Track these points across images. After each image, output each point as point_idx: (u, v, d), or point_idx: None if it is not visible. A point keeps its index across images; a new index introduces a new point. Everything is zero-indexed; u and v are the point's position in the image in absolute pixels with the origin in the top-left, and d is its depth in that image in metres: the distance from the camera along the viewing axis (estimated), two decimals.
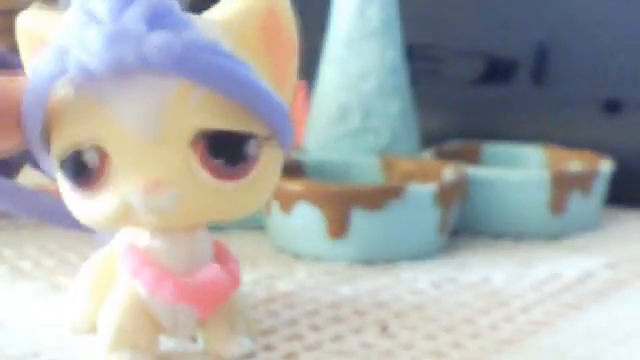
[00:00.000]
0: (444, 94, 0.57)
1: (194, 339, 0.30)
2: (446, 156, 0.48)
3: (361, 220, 0.39)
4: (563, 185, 0.44)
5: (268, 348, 0.30)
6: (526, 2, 0.56)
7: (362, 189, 0.40)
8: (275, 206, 0.41)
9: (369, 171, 0.47)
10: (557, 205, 0.44)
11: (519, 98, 0.55)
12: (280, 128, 0.27)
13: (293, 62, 0.28)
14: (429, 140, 0.52)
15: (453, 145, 0.51)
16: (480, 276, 0.38)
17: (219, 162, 0.26)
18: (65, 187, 0.27)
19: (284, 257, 0.41)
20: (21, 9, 0.31)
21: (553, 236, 0.45)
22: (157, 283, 0.27)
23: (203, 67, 0.25)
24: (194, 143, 0.26)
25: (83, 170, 0.26)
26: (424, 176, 0.44)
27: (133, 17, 0.25)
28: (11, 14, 0.44)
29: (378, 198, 0.39)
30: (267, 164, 0.27)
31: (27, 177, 0.45)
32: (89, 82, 0.25)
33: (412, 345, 0.30)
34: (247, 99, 0.26)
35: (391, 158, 0.47)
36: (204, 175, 0.26)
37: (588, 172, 0.45)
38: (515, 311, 0.34)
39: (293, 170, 0.45)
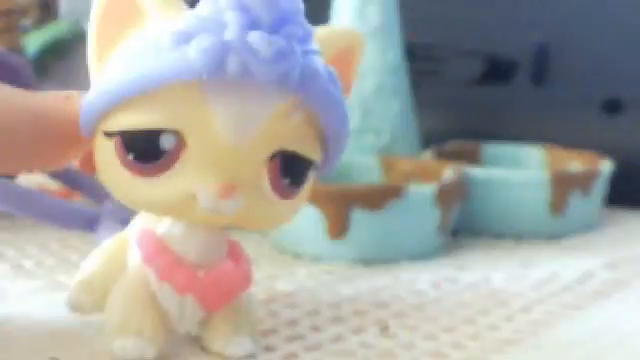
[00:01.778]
0: (444, 94, 0.57)
1: (195, 338, 0.30)
2: (446, 156, 0.49)
3: (361, 220, 0.39)
4: (563, 185, 0.44)
5: (268, 348, 0.30)
6: (526, 2, 0.56)
7: (362, 189, 0.40)
8: None
9: (369, 171, 0.47)
10: (557, 205, 0.44)
11: (519, 98, 0.55)
12: (338, 157, 0.29)
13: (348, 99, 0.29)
14: (429, 140, 0.52)
15: (453, 145, 0.51)
16: (480, 276, 0.38)
17: (285, 182, 0.27)
18: (114, 162, 0.26)
19: (284, 257, 0.41)
20: (20, 10, 0.31)
21: (553, 236, 0.45)
22: (169, 270, 0.27)
23: (324, 92, 0.26)
24: (272, 159, 0.26)
25: (153, 152, 0.26)
26: (424, 176, 0.44)
27: (293, 34, 0.25)
28: (11, 14, 0.44)
29: (378, 198, 0.39)
30: (308, 187, 0.28)
31: (27, 177, 0.45)
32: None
33: (412, 345, 0.30)
34: (340, 126, 0.27)
35: (391, 158, 0.47)
36: (269, 191, 0.26)
37: (588, 172, 0.45)
38: (515, 311, 0.34)
39: None
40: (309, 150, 0.27)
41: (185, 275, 0.27)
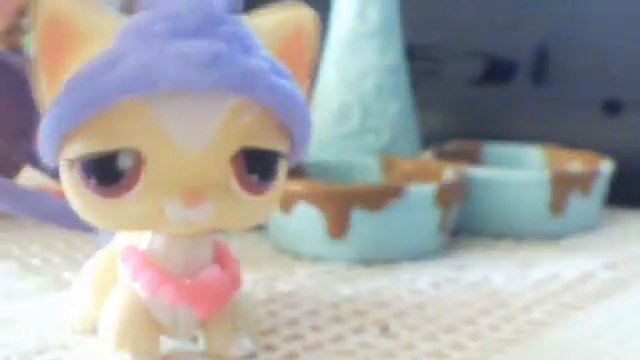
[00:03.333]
0: (444, 94, 0.57)
1: (195, 340, 0.30)
2: (446, 156, 0.49)
3: (361, 220, 0.39)
4: (563, 185, 0.44)
5: (269, 348, 0.30)
6: (526, 2, 0.56)
7: (362, 189, 0.40)
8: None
9: (369, 171, 0.47)
10: (557, 205, 0.44)
11: (519, 98, 0.55)
12: (305, 144, 0.28)
13: (307, 83, 0.29)
14: (429, 140, 0.52)
15: (453, 145, 0.51)
16: (480, 276, 0.38)
17: (254, 178, 0.26)
18: (78, 187, 0.26)
19: (284, 257, 0.41)
20: (21, 10, 0.31)
21: (553, 236, 0.45)
22: (156, 285, 0.27)
23: (270, 88, 0.26)
24: (234, 159, 0.26)
25: (114, 173, 0.25)
26: (424, 176, 0.44)
27: (228, 35, 0.25)
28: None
29: (378, 198, 0.39)
30: (283, 177, 0.28)
31: (27, 177, 0.45)
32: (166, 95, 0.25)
33: (413, 345, 0.30)
34: (298, 115, 0.27)
35: (391, 158, 0.47)
36: (239, 190, 0.26)
37: (588, 172, 0.45)
38: (515, 311, 0.34)
39: (293, 170, 0.44)
40: (271, 142, 0.27)
41: (171, 287, 0.27)
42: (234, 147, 0.26)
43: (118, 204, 0.26)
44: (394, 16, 0.50)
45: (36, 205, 0.35)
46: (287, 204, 0.40)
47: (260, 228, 0.43)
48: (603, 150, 0.49)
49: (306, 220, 0.40)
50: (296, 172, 0.45)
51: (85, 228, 0.36)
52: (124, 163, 0.25)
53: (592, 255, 0.42)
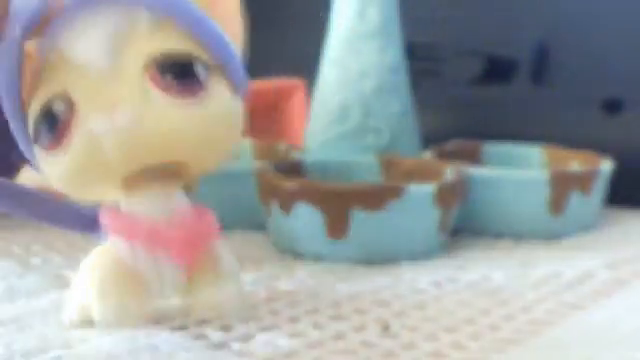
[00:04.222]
0: (444, 94, 0.57)
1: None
2: (446, 156, 0.49)
3: (361, 220, 0.39)
4: (563, 185, 0.44)
5: (269, 346, 0.30)
6: (526, 2, 0.56)
7: (362, 189, 0.40)
8: (275, 206, 0.41)
9: (369, 171, 0.47)
10: (557, 205, 0.44)
11: (519, 98, 0.55)
12: (225, 60, 0.29)
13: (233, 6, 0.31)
14: (429, 140, 0.52)
15: (453, 145, 0.51)
16: (480, 276, 0.38)
17: (169, 78, 0.28)
18: (42, 158, 0.29)
19: (284, 257, 0.41)
20: None
21: (553, 236, 0.45)
22: (132, 229, 0.29)
23: (181, 8, 0.28)
24: (147, 68, 0.28)
25: (55, 124, 0.28)
26: (424, 176, 0.44)
27: None
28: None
29: (378, 198, 0.39)
30: (219, 92, 0.29)
31: (27, 177, 0.45)
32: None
33: (413, 345, 0.30)
34: (192, 25, 0.29)
35: (391, 158, 0.47)
36: (157, 93, 0.28)
37: (588, 172, 0.45)
38: (515, 311, 0.34)
39: (293, 170, 0.45)
40: (185, 48, 0.28)
41: (147, 231, 0.28)
42: (142, 57, 0.28)
43: (66, 155, 0.28)
44: (394, 16, 0.50)
45: (36, 206, 0.35)
46: (287, 204, 0.40)
47: (261, 228, 0.43)
48: (603, 150, 0.49)
49: (306, 220, 0.40)
50: (296, 172, 0.45)
51: (84, 228, 0.36)
52: (58, 110, 0.28)
53: (592, 255, 0.42)
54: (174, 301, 0.31)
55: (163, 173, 0.29)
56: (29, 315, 0.33)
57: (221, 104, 0.29)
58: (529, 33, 0.55)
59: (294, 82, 0.57)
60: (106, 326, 0.29)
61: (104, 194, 0.30)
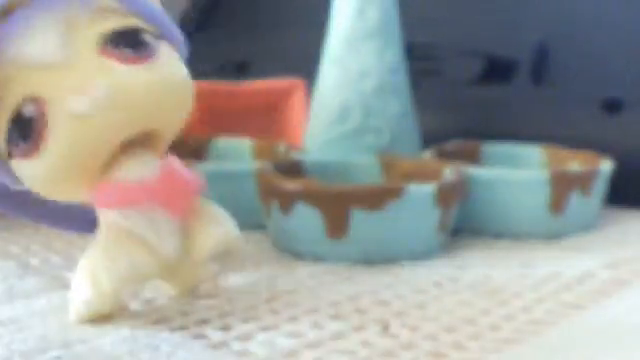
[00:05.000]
0: (444, 94, 0.57)
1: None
2: (446, 156, 0.49)
3: (361, 220, 0.39)
4: (563, 185, 0.44)
5: (269, 345, 0.30)
6: (526, 2, 0.56)
7: (362, 189, 0.40)
8: (275, 206, 0.41)
9: (369, 171, 0.47)
10: (557, 205, 0.44)
11: (519, 98, 0.55)
12: (166, 30, 0.32)
13: None
14: (429, 140, 0.52)
15: (453, 145, 0.51)
16: (480, 276, 0.38)
17: (122, 49, 0.29)
18: (19, 161, 0.29)
19: (284, 257, 0.41)
20: None
21: (553, 236, 0.45)
22: (124, 193, 0.30)
23: None
24: (101, 45, 0.29)
25: (30, 128, 0.28)
26: (424, 176, 0.44)
27: None
28: None
29: (378, 198, 0.39)
30: (168, 55, 0.31)
31: None
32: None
33: (413, 345, 0.30)
34: (129, 4, 0.31)
35: (391, 158, 0.47)
36: (116, 65, 0.29)
37: (588, 172, 0.45)
38: (515, 311, 0.34)
39: (293, 170, 0.45)
40: (130, 22, 0.30)
41: (140, 190, 0.30)
42: (92, 39, 0.29)
43: (48, 153, 0.28)
44: (394, 16, 0.50)
45: (35, 206, 0.35)
46: (286, 204, 0.40)
47: (261, 228, 0.43)
48: (603, 150, 0.49)
49: (306, 220, 0.40)
50: (296, 172, 0.45)
51: (84, 229, 0.36)
52: (29, 112, 0.28)
53: (592, 255, 0.42)
54: (174, 251, 0.32)
55: (140, 145, 0.31)
56: (28, 315, 0.33)
57: (176, 66, 0.31)
58: (529, 33, 0.55)
59: (294, 82, 0.57)
60: (122, 289, 0.30)
61: (83, 192, 0.31)
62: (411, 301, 0.35)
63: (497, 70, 0.56)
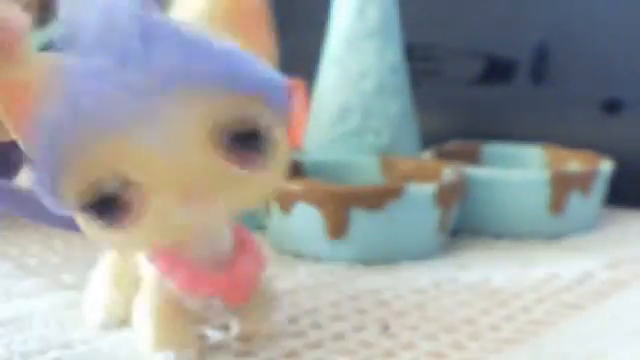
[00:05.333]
0: (444, 94, 0.57)
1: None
2: (446, 156, 0.49)
3: (361, 220, 0.39)
4: (563, 185, 0.44)
5: (270, 345, 0.30)
6: (526, 2, 0.56)
7: (362, 189, 0.40)
8: (275, 206, 0.41)
9: (369, 171, 0.47)
10: (557, 205, 0.44)
11: (519, 98, 0.55)
12: (281, 105, 0.27)
13: (263, 27, 0.29)
14: (429, 140, 0.52)
15: (453, 145, 0.51)
16: (480, 276, 0.38)
17: (234, 147, 0.25)
18: (93, 227, 0.26)
19: (284, 257, 0.41)
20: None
21: (553, 236, 0.45)
22: (192, 281, 0.28)
23: (205, 76, 0.25)
24: (216, 145, 0.25)
25: (113, 206, 0.25)
26: (424, 176, 0.44)
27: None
28: None
29: (378, 198, 0.39)
30: (280, 137, 0.27)
31: (27, 177, 0.45)
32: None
33: (413, 345, 0.30)
34: (250, 87, 0.26)
35: (391, 158, 0.47)
36: (224, 164, 0.25)
37: (588, 172, 0.45)
38: (515, 311, 0.34)
39: (293, 170, 0.44)
40: (247, 111, 0.25)
41: (208, 283, 0.28)
42: (208, 132, 0.25)
43: (134, 231, 0.25)
44: (394, 16, 0.50)
45: (35, 206, 0.35)
46: (287, 204, 0.40)
47: (261, 228, 0.43)
48: (603, 150, 0.49)
49: (306, 220, 0.40)
50: (296, 172, 0.45)
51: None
52: (113, 186, 0.25)
53: (592, 255, 0.42)
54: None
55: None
56: (28, 316, 0.33)
57: (282, 152, 0.27)
58: (529, 33, 0.55)
59: (294, 82, 0.57)
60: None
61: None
62: (411, 301, 0.35)
63: (497, 70, 0.56)
